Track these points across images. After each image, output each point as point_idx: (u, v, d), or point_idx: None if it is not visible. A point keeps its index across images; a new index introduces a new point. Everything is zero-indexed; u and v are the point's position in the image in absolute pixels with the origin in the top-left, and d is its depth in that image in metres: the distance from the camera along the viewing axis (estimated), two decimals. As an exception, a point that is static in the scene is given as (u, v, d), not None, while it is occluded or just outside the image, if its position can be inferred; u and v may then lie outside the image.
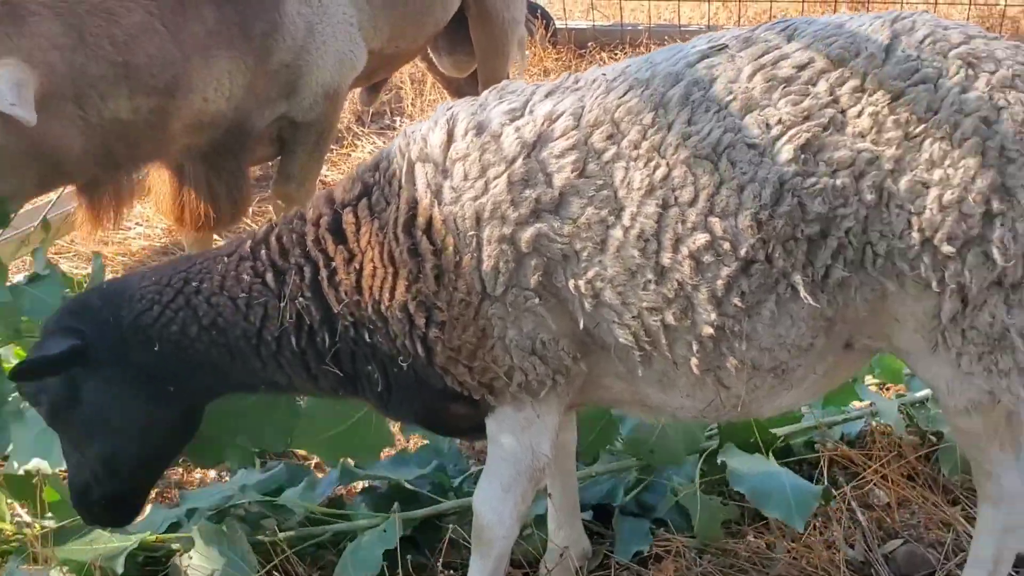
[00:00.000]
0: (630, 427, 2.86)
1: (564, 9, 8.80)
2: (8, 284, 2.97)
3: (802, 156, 1.96)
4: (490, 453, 2.34)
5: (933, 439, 3.17)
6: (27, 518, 2.89)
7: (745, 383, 2.14)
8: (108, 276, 4.87)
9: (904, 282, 1.99)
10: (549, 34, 8.00)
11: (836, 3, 8.50)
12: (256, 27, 3.57)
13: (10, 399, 2.74)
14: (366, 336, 2.25)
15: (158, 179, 3.97)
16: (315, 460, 3.32)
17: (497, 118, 2.17)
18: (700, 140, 2.01)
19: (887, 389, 3.54)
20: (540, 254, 2.10)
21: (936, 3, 8.38)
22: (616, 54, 8.08)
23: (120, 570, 2.59)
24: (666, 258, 2.03)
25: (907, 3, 8.38)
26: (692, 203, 2.01)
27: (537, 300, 2.11)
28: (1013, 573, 2.65)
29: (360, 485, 3.12)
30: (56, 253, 5.13)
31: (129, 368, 2.37)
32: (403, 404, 2.38)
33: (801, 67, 2.02)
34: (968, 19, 8.08)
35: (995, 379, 2.04)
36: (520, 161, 2.10)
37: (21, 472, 2.73)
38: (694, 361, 2.11)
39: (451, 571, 2.73)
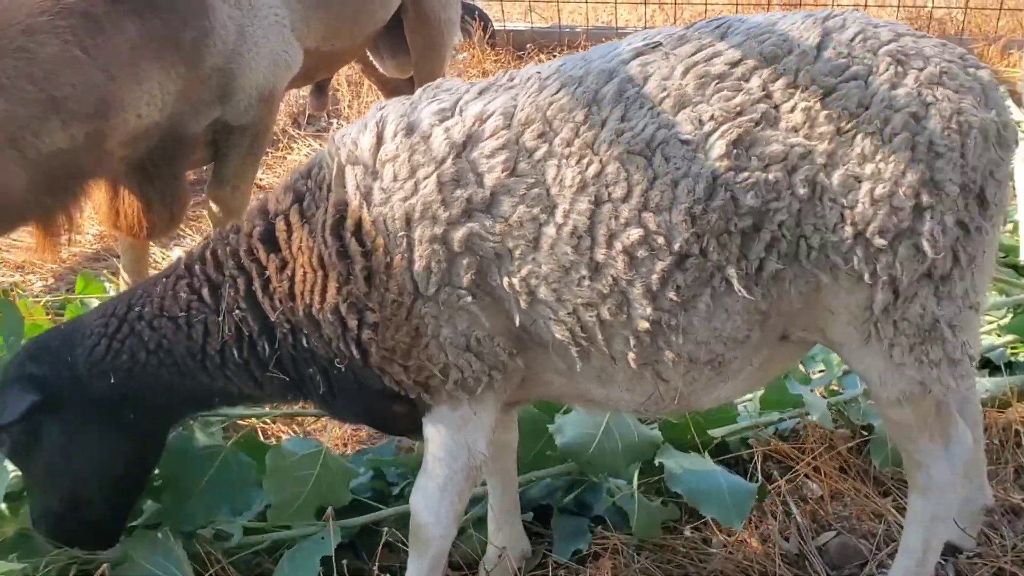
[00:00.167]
0: (567, 438, 2.85)
1: (502, 11, 8.82)
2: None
3: (734, 151, 1.98)
4: (426, 452, 2.33)
5: (864, 432, 3.23)
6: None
7: (683, 376, 2.16)
8: (37, 285, 4.82)
9: (837, 275, 2.02)
10: (487, 36, 8.01)
11: (769, 4, 8.64)
12: (186, 35, 3.51)
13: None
14: (304, 341, 2.26)
15: (94, 186, 3.88)
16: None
17: (427, 119, 2.16)
18: (633, 136, 2.02)
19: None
20: (473, 253, 2.09)
21: (866, 5, 8.57)
22: (555, 56, 8.11)
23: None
24: (600, 254, 2.04)
25: (838, 5, 8.54)
26: (625, 199, 2.02)
27: (471, 299, 2.11)
28: (942, 561, 2.72)
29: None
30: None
31: (91, 404, 2.39)
32: (346, 405, 2.39)
33: (734, 64, 2.05)
34: (896, 20, 8.25)
35: (926, 370, 2.09)
36: (450, 161, 2.10)
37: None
38: (631, 355, 2.12)
39: (388, 575, 2.71)
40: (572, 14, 9.18)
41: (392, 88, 5.73)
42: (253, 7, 3.79)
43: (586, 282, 2.06)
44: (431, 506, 2.31)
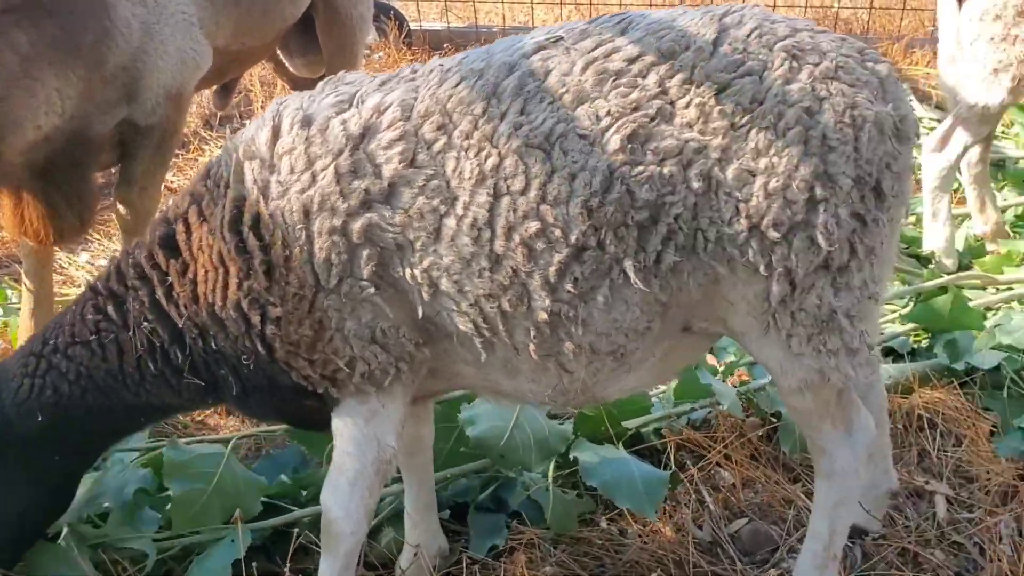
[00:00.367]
0: (479, 431, 2.85)
1: (418, 10, 8.78)
2: None
3: (629, 146, 2.01)
4: (336, 447, 2.32)
5: (774, 419, 3.30)
6: None
7: (586, 367, 2.19)
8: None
9: (734, 267, 2.06)
10: (403, 35, 7.96)
11: (682, 2, 8.77)
12: (85, 36, 3.41)
13: None
14: (212, 343, 2.25)
15: None
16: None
17: (324, 111, 2.16)
18: (532, 130, 2.04)
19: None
20: (373, 244, 2.09)
21: (775, 6, 8.75)
22: (471, 55, 8.09)
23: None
24: (499, 246, 2.05)
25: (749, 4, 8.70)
26: (524, 191, 2.04)
27: (373, 290, 2.11)
28: (850, 544, 2.80)
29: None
30: None
31: (21, 445, 2.36)
32: (260, 403, 2.39)
33: (632, 60, 2.07)
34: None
35: (824, 359, 2.14)
36: (347, 153, 2.10)
37: None
38: (532, 347, 2.14)
39: (301, 576, 2.68)
40: (489, 14, 9.19)
41: (305, 88, 5.65)
42: (159, 4, 3.71)
43: (487, 274, 2.07)
44: (341, 501, 2.29)
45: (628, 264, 2.04)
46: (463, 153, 2.07)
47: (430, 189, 2.07)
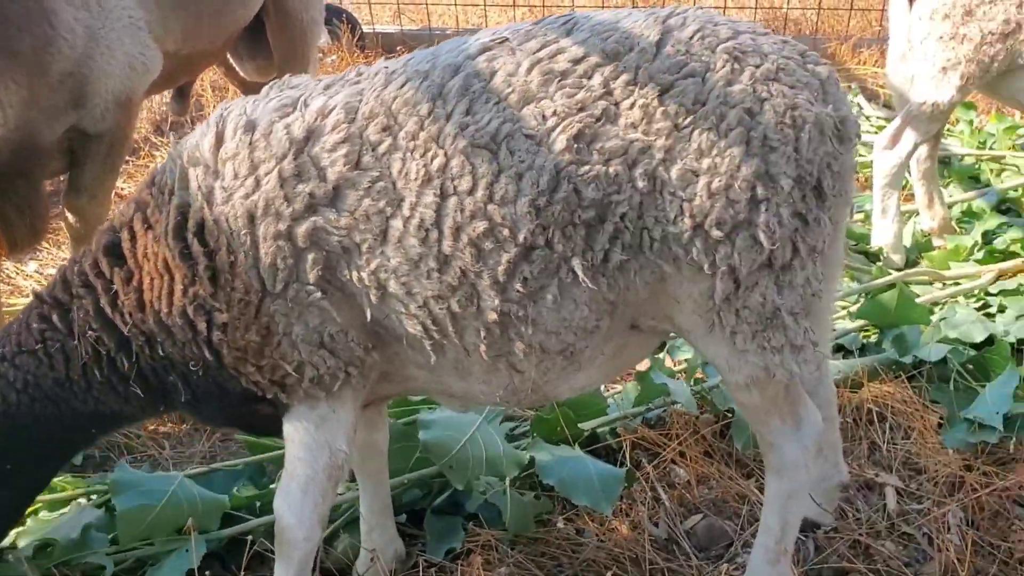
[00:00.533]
0: (432, 436, 2.84)
1: (371, 13, 8.76)
2: None
3: (575, 145, 2.03)
4: (287, 453, 2.31)
5: (728, 415, 3.33)
6: None
7: (536, 366, 2.20)
8: None
9: (680, 265, 2.09)
10: (356, 38, 7.93)
11: (634, 5, 8.83)
12: (23, 43, 3.35)
13: None
14: (159, 350, 2.23)
15: None
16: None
17: (267, 115, 2.15)
18: (479, 130, 2.05)
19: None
20: (318, 248, 2.09)
21: (726, 7, 8.85)
22: (425, 58, 8.08)
23: None
24: (447, 246, 2.06)
25: (699, 5, 8.79)
26: (471, 192, 2.05)
27: (320, 294, 2.11)
28: (802, 537, 2.84)
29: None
30: None
31: None
32: (211, 411, 2.38)
33: (577, 61, 2.09)
34: (754, 21, 8.56)
35: (768, 356, 2.17)
36: (291, 156, 2.09)
37: None
38: (482, 347, 2.15)
39: (256, 584, 2.67)
40: (442, 16, 9.19)
41: (256, 93, 5.61)
42: (104, 9, 3.66)
43: (435, 275, 2.08)
44: (294, 507, 2.28)
45: (576, 263, 2.06)
46: (409, 154, 2.07)
47: (376, 191, 2.07)
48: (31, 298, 2.37)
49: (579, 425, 3.19)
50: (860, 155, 5.87)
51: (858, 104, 6.83)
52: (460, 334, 2.14)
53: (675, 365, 3.69)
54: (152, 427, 3.51)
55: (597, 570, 2.76)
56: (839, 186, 2.14)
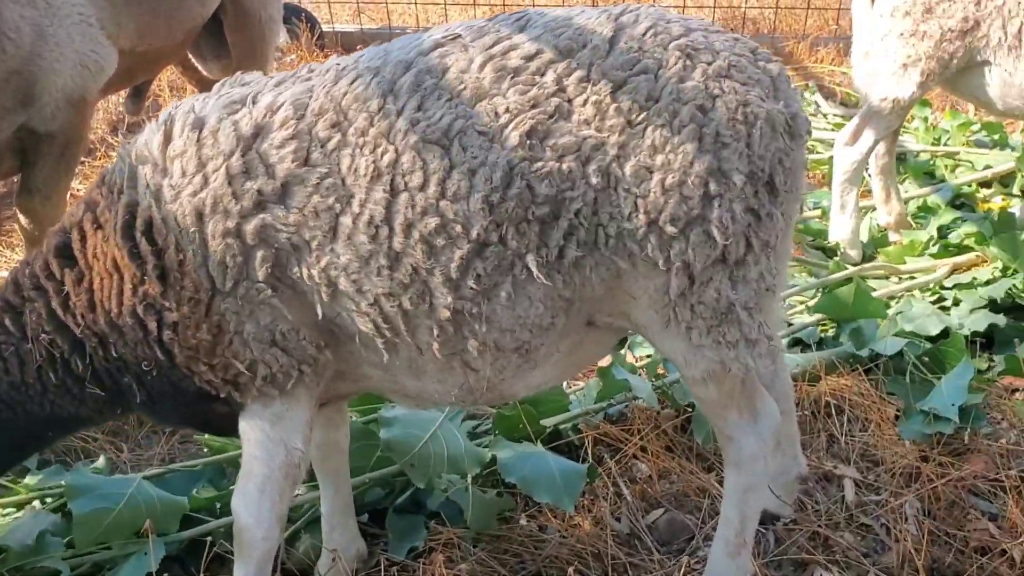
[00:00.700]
0: (393, 434, 2.83)
1: (331, 12, 8.71)
2: None
3: (529, 142, 2.03)
4: (243, 452, 2.30)
5: (689, 409, 3.36)
6: None
7: (491, 364, 2.19)
8: None
9: (635, 261, 2.10)
10: (315, 37, 7.89)
11: (595, 4, 8.85)
12: None
13: None
14: (112, 351, 2.21)
15: None
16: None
17: (216, 112, 2.14)
18: (430, 126, 2.04)
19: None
20: (268, 245, 2.08)
21: (684, 6, 8.91)
22: (385, 57, 8.05)
23: None
24: (398, 243, 2.05)
25: (659, 3, 8.84)
26: (422, 188, 2.04)
27: (270, 292, 2.10)
28: (762, 529, 2.87)
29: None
30: None
31: None
32: (168, 411, 2.36)
33: (530, 58, 2.09)
34: (714, 21, 8.64)
35: (724, 350, 2.19)
36: (239, 153, 2.08)
37: None
38: (436, 346, 2.14)
39: (217, 586, 2.65)
40: (402, 15, 9.17)
41: (214, 91, 5.55)
42: (51, 6, 3.60)
43: (386, 272, 2.07)
44: (251, 507, 2.26)
45: (531, 259, 2.06)
46: (358, 150, 2.06)
47: (324, 187, 2.06)
48: None
49: (541, 422, 3.19)
50: (817, 152, 5.95)
51: (815, 102, 6.91)
52: (412, 332, 2.14)
53: (636, 361, 3.70)
54: (109, 429, 3.46)
55: (559, 566, 2.76)
56: (791, 182, 2.16)
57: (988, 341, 3.86)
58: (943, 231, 4.77)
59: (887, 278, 4.42)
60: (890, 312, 3.91)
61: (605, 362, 3.51)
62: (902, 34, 4.37)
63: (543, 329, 2.17)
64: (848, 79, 7.18)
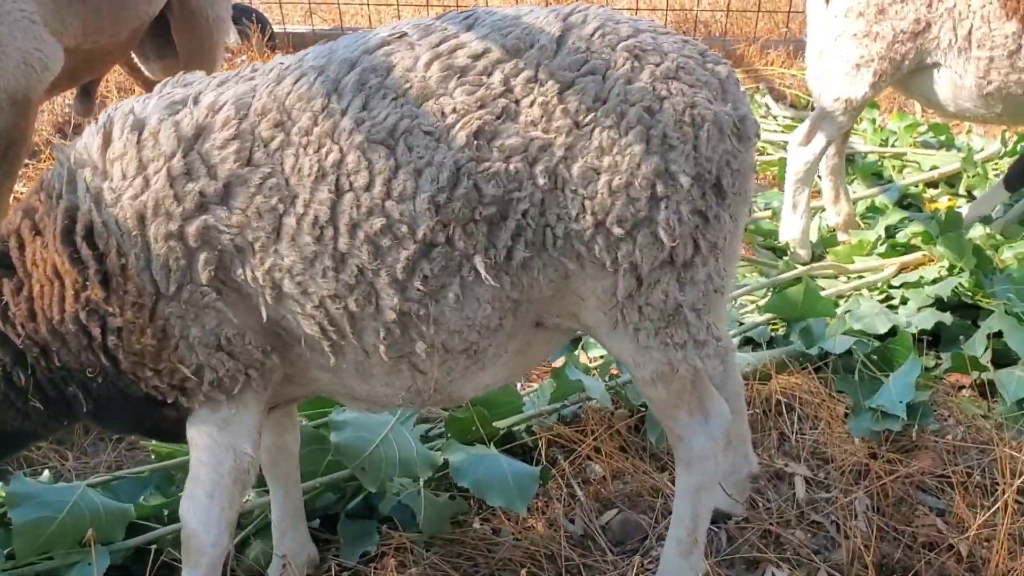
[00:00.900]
0: (343, 438, 2.79)
1: (282, 13, 8.64)
2: None
3: (475, 142, 2.02)
4: (191, 458, 2.26)
5: (642, 410, 3.36)
6: None
7: (439, 366, 2.18)
8: None
9: (583, 262, 2.09)
10: (266, 38, 7.81)
11: (547, 3, 8.87)
12: None
13: None
14: (55, 360, 2.16)
15: None
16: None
17: (156, 114, 2.10)
18: (375, 125, 2.02)
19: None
20: (211, 247, 2.05)
21: (637, 8, 8.96)
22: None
23: None
24: (343, 244, 2.03)
25: (614, 6, 8.88)
26: (368, 188, 2.02)
27: (215, 295, 2.07)
28: (714, 528, 2.88)
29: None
30: None
31: None
32: (117, 418, 2.32)
33: (477, 57, 2.08)
34: (667, 23, 8.70)
35: (672, 352, 2.19)
36: (179, 155, 2.04)
37: None
38: (382, 348, 2.12)
39: (165, 596, 2.60)
40: (355, 16, 9.12)
41: (162, 92, 5.46)
42: (-10, 3, 3.52)
43: (331, 273, 2.05)
44: (200, 514, 2.23)
45: (478, 260, 2.05)
46: (302, 150, 2.03)
47: (268, 188, 2.03)
48: None
49: (494, 424, 3.18)
50: (767, 153, 6.02)
51: (766, 104, 6.99)
52: (359, 335, 2.12)
53: (590, 362, 3.71)
54: (54, 437, 3.38)
55: (513, 569, 2.75)
56: (739, 184, 2.17)
57: (935, 339, 3.92)
58: (891, 231, 4.84)
59: (836, 277, 4.47)
60: (839, 311, 3.96)
61: (559, 363, 3.51)
62: (855, 35, 4.42)
63: (491, 330, 2.15)
64: (798, 81, 7.28)
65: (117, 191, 2.06)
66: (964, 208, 5.06)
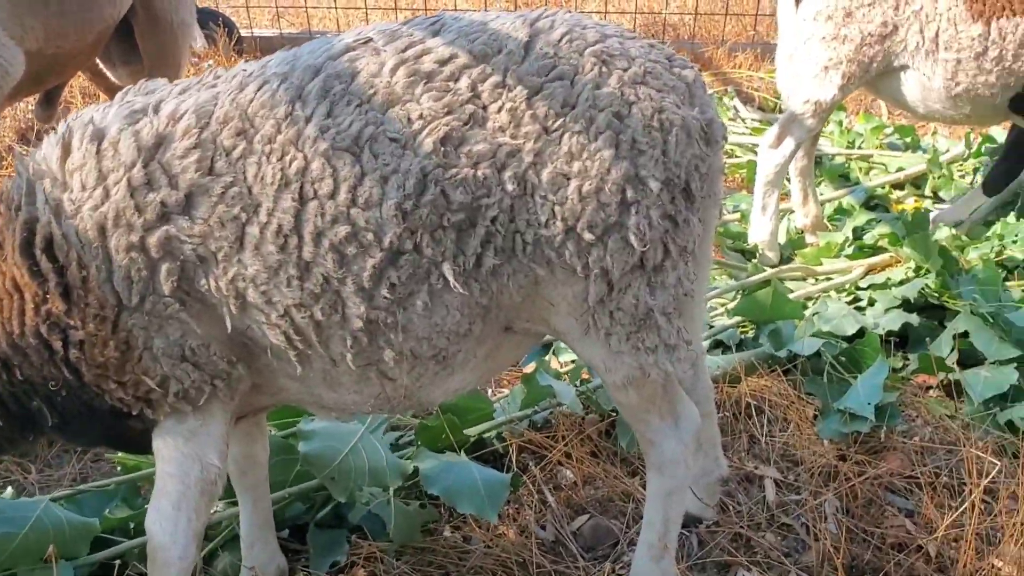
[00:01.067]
0: (312, 448, 2.76)
1: (249, 17, 8.57)
2: None
3: (443, 148, 2.00)
4: (157, 469, 2.22)
5: (613, 414, 3.36)
6: None
7: (408, 373, 2.16)
8: None
9: (553, 268, 2.08)
10: (233, 43, 7.75)
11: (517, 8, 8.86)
12: None
13: None
14: (17, 374, 2.11)
15: None
16: None
17: (116, 123, 2.06)
18: (339, 133, 2.00)
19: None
20: (173, 258, 2.02)
21: (606, 12, 8.98)
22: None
23: None
24: (308, 252, 2.01)
25: (582, 9, 8.89)
26: (332, 195, 2.00)
27: (178, 306, 2.04)
28: (685, 532, 2.88)
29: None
30: None
31: None
32: (83, 431, 2.26)
33: (443, 62, 2.06)
34: (636, 27, 8.73)
35: (643, 356, 2.19)
36: (140, 165, 2.01)
37: None
38: (349, 357, 2.10)
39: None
40: (323, 20, 9.06)
41: (127, 98, 5.40)
42: (-51, 7, 3.46)
43: (296, 282, 2.02)
44: (167, 525, 2.19)
45: (447, 267, 2.03)
46: (265, 158, 2.00)
47: (230, 197, 2.00)
48: None
49: (465, 431, 3.17)
50: (736, 156, 6.05)
51: (734, 107, 7.02)
52: (325, 344, 2.09)
53: (561, 367, 3.70)
54: (17, 450, 3.33)
55: (484, 576, 2.74)
56: (707, 188, 2.17)
57: (902, 340, 3.95)
58: (858, 232, 4.88)
59: (804, 279, 4.50)
60: (807, 313, 3.98)
61: (530, 368, 3.50)
62: (824, 38, 4.45)
63: (460, 336, 2.14)
64: (766, 84, 7.33)
65: (77, 202, 2.02)
66: (933, 212, 5.12)
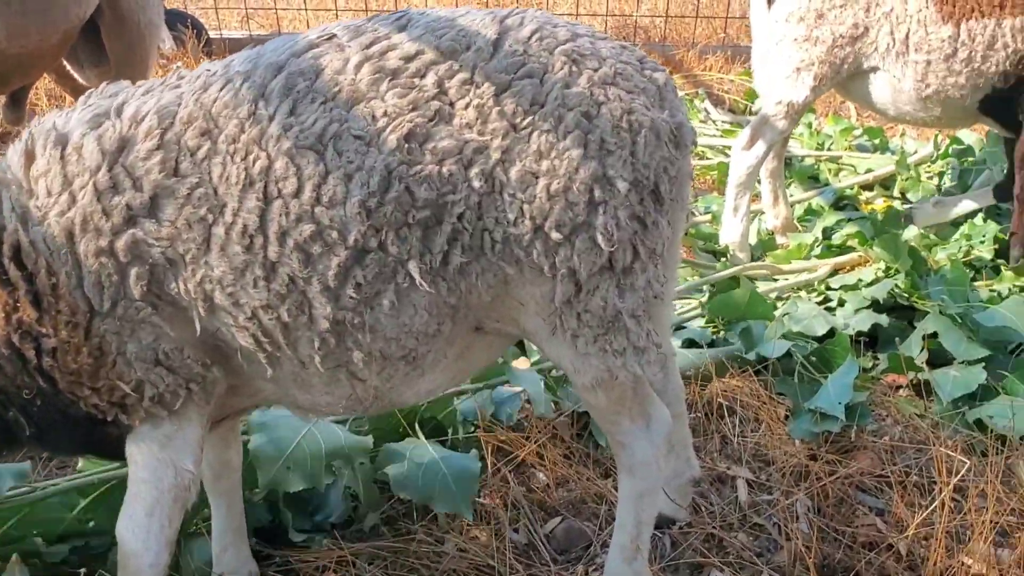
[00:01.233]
0: (260, 443, 2.74)
1: (218, 18, 8.51)
2: None
3: (407, 145, 1.98)
4: (130, 475, 2.19)
5: (587, 415, 3.35)
6: None
7: (378, 374, 2.14)
8: None
9: (522, 267, 2.07)
10: (202, 44, 7.69)
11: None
12: None
13: None
14: None
15: None
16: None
17: (79, 128, 2.04)
18: (303, 131, 1.98)
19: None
20: (142, 261, 1.99)
21: (578, 14, 9.00)
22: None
23: None
24: (273, 252, 1.99)
25: (552, 12, 8.90)
26: (296, 194, 1.98)
27: (150, 310, 2.01)
28: (658, 533, 2.88)
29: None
30: None
31: None
32: (61, 439, 2.23)
33: (409, 59, 2.04)
34: (607, 29, 8.75)
35: (611, 358, 2.18)
36: (104, 168, 1.98)
37: None
38: (318, 358, 2.08)
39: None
40: (293, 21, 9.01)
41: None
42: (-89, 7, 3.39)
43: (262, 283, 2.00)
44: (139, 532, 2.16)
45: (413, 266, 2.02)
46: (229, 158, 1.98)
47: (196, 198, 1.98)
48: None
49: (421, 412, 3.14)
50: (707, 158, 6.07)
51: (705, 109, 7.05)
52: (293, 345, 2.07)
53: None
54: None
55: (457, 580, 2.73)
56: (676, 191, 2.16)
57: (872, 340, 3.98)
58: (827, 232, 4.91)
59: (775, 280, 4.51)
60: (777, 314, 3.99)
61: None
62: (796, 39, 4.48)
63: (429, 336, 2.12)
64: (736, 86, 7.37)
65: (43, 208, 2.00)
66: (914, 205, 5.15)
